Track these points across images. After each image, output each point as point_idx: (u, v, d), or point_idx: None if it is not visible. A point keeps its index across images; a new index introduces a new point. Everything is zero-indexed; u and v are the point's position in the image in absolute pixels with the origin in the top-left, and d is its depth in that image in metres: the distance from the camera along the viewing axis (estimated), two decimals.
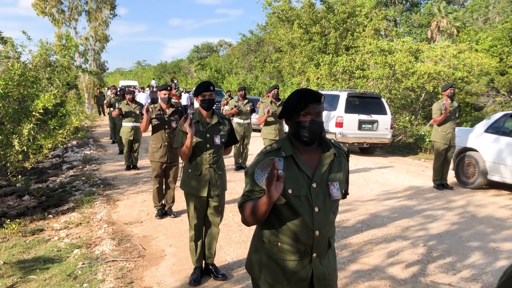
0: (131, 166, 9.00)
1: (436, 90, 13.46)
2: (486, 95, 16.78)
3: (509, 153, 6.91)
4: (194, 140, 3.59)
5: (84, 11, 28.15)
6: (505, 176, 7.00)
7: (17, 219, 5.40)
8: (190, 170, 3.72)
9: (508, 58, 16.68)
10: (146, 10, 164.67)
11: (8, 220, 5.29)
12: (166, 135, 5.53)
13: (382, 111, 11.21)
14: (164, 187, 5.82)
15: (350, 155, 2.03)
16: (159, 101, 5.63)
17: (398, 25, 29.94)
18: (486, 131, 7.50)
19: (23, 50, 8.22)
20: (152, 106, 5.58)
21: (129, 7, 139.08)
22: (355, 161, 10.30)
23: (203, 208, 3.77)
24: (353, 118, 10.80)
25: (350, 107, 10.91)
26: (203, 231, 3.87)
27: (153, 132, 5.59)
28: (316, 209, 1.83)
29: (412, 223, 5.61)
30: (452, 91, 7.38)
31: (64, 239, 4.91)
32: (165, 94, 5.56)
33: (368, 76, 14.44)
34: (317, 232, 1.84)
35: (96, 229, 5.25)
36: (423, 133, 12.64)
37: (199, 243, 3.84)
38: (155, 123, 5.53)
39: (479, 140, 7.54)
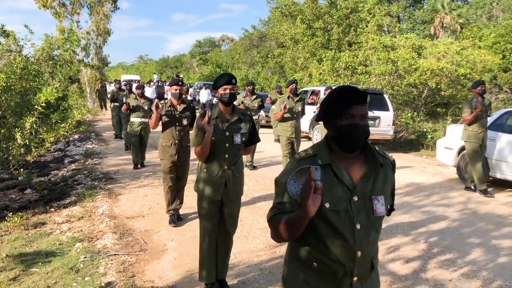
0: (140, 164, 8.61)
1: (438, 86, 13.43)
2: (489, 92, 16.73)
3: (510, 150, 6.90)
4: (212, 138, 3.24)
5: (86, 4, 28.08)
6: (506, 173, 6.99)
7: (19, 212, 5.42)
8: (205, 171, 3.37)
9: (511, 55, 16.61)
10: (149, 4, 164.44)
11: (10, 213, 5.31)
12: (177, 132, 5.19)
13: (384, 107, 11.19)
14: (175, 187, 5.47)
15: None
16: (170, 96, 5.28)
17: (401, 21, 29.83)
18: (489, 128, 7.47)
19: (25, 44, 8.22)
20: (162, 102, 5.23)
21: (132, 2, 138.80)
22: None
23: (217, 213, 3.42)
24: None
25: None
26: (216, 241, 3.46)
27: (163, 129, 5.25)
28: (358, 226, 1.60)
29: (413, 219, 5.61)
30: (483, 88, 6.88)
31: (66, 232, 4.93)
32: (176, 90, 5.18)
33: (370, 72, 14.41)
34: (359, 253, 1.61)
35: (98, 223, 5.27)
36: (425, 130, 12.64)
37: (212, 255, 3.44)
38: (165, 120, 5.18)
39: None
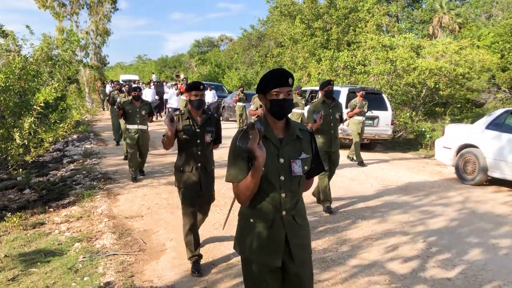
0: (140, 172, 7.87)
1: (437, 86, 13.45)
2: (487, 92, 16.77)
3: (510, 150, 6.91)
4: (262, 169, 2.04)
5: (85, 5, 28.06)
6: (505, 173, 7.00)
7: (18, 213, 5.43)
8: (251, 220, 2.17)
9: (510, 54, 16.64)
10: (147, 3, 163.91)
11: (9, 213, 5.32)
12: (199, 153, 3.93)
13: (383, 107, 11.19)
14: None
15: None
16: (188, 106, 3.99)
17: (399, 21, 29.83)
18: (487, 127, 7.49)
19: (24, 44, 8.22)
20: (177, 113, 3.96)
21: (129, 1, 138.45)
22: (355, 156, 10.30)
23: (274, 286, 2.18)
24: None
25: None
26: None
27: (180, 149, 4.00)
28: None
29: (412, 218, 5.62)
30: None
31: (64, 232, 4.94)
32: (196, 96, 3.85)
33: (369, 72, 14.42)
34: None
35: (97, 223, 5.27)
36: (423, 129, 12.66)
37: None
38: (183, 137, 3.90)
39: (479, 136, 7.53)
